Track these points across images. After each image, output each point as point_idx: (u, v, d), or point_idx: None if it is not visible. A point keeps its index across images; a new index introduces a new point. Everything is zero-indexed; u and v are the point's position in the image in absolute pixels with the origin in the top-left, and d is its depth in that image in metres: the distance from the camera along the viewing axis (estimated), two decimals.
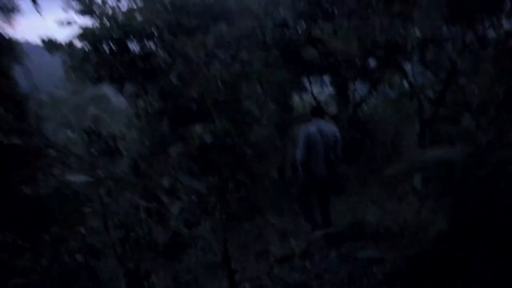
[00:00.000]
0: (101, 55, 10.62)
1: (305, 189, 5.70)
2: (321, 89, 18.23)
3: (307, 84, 16.61)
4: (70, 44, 11.88)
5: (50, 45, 11.81)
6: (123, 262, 3.80)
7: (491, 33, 7.58)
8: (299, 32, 10.68)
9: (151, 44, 11.06)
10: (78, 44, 11.82)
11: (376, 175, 9.70)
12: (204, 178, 7.02)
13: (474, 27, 8.42)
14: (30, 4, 6.57)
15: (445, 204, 2.76)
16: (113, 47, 10.67)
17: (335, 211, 6.67)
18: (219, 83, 8.64)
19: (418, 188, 5.90)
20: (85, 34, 11.39)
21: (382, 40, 9.37)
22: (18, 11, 7.51)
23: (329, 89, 18.24)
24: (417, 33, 10.58)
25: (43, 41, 11.74)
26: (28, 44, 13.11)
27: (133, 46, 11.25)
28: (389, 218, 5.91)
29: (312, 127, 5.51)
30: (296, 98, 17.15)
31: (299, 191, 5.86)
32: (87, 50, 11.34)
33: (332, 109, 17.84)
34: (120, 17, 11.44)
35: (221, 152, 7.43)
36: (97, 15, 11.62)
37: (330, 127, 5.64)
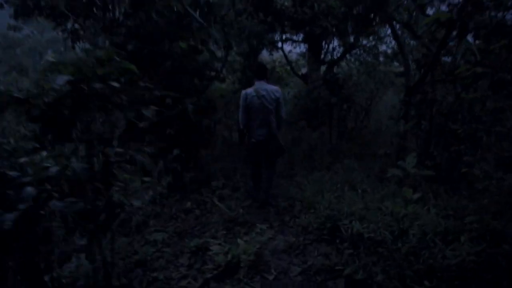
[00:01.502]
0: None
1: (249, 152, 5.49)
2: (292, 48, 17.15)
3: (278, 41, 15.44)
4: None
5: None
6: None
7: None
8: None
9: None
10: None
11: (348, 146, 8.48)
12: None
13: None
14: None
15: None
16: None
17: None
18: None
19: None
20: None
21: None
22: None
23: (300, 48, 17.21)
24: None
25: None
26: None
27: None
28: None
29: (250, 90, 5.23)
30: (265, 55, 15.79)
31: (246, 154, 5.72)
32: None
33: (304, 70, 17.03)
34: None
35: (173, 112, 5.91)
36: None
37: (270, 88, 5.26)
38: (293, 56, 16.97)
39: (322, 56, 15.56)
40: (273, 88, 5.33)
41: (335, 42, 16.90)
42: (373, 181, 5.44)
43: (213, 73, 9.17)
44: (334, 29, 9.32)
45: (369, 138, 9.25)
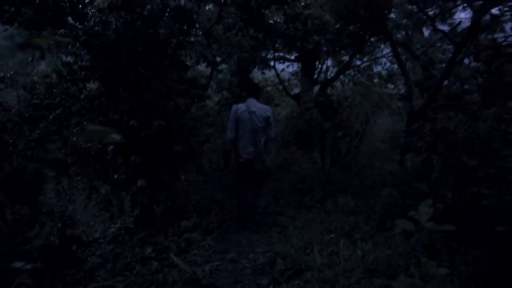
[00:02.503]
0: None
1: (236, 171, 5.27)
2: (285, 67, 16.33)
3: (271, 59, 14.62)
4: None
5: None
6: None
7: None
8: None
9: None
10: None
11: (341, 172, 7.48)
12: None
13: None
14: None
15: None
16: None
17: None
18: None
19: None
20: None
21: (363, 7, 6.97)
22: None
23: (293, 67, 16.41)
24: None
25: None
26: None
27: None
28: None
29: (241, 105, 5.07)
30: (257, 74, 14.94)
31: (234, 171, 5.46)
32: None
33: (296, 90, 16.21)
34: None
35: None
36: None
37: (261, 107, 5.12)
38: (285, 75, 16.11)
39: (316, 76, 14.81)
40: (264, 107, 5.14)
41: (329, 62, 16.25)
42: (374, 228, 4.36)
43: (197, 91, 8.31)
44: (328, 46, 8.39)
45: (364, 164, 8.28)
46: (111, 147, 5.28)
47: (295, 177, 7.42)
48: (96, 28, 6.96)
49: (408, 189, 4.66)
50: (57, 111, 5.64)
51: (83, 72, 6.04)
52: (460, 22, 9.57)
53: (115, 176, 5.26)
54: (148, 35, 5.55)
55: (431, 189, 4.18)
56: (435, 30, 8.85)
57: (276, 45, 13.93)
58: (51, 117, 5.46)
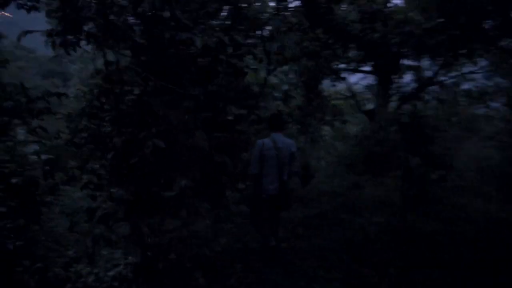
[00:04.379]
0: None
1: (255, 204, 4.85)
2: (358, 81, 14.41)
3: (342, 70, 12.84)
4: None
5: None
6: None
7: None
8: None
9: None
10: None
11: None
12: None
13: None
14: None
15: None
16: None
17: None
18: None
19: None
20: None
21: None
22: None
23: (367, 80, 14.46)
24: None
25: None
26: None
27: None
28: None
29: (267, 140, 4.76)
30: (326, 85, 13.17)
31: (250, 205, 5.06)
32: None
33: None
34: None
35: None
36: None
37: (286, 141, 4.87)
38: (357, 89, 14.23)
39: (392, 91, 12.80)
40: (289, 141, 4.98)
41: (408, 77, 14.11)
42: None
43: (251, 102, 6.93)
44: (413, 51, 6.45)
45: (454, 204, 6.06)
46: None
47: (354, 232, 5.19)
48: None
49: None
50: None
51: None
52: None
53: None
54: None
55: None
56: None
57: (350, 54, 12.25)
58: None
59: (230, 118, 4.74)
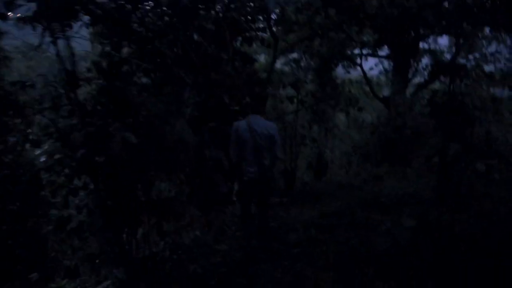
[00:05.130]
0: None
1: (240, 191, 4.63)
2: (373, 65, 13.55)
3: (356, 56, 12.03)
4: None
5: None
6: None
7: None
8: None
9: None
10: None
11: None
12: None
13: None
14: None
15: None
16: None
17: None
18: None
19: None
20: None
21: None
22: None
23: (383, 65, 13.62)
24: None
25: None
26: None
27: None
28: None
29: (242, 122, 4.44)
30: (340, 73, 12.36)
31: (238, 190, 4.76)
32: None
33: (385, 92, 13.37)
34: None
35: None
36: None
37: (264, 124, 4.51)
38: (372, 75, 13.42)
39: (410, 76, 11.99)
40: (268, 124, 4.63)
41: (426, 60, 13.23)
42: None
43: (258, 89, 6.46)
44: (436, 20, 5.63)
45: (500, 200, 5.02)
46: None
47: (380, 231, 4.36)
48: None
49: None
50: None
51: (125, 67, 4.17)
52: None
53: None
54: None
55: None
56: None
57: (364, 37, 11.41)
58: None
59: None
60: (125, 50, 5.71)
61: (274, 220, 5.21)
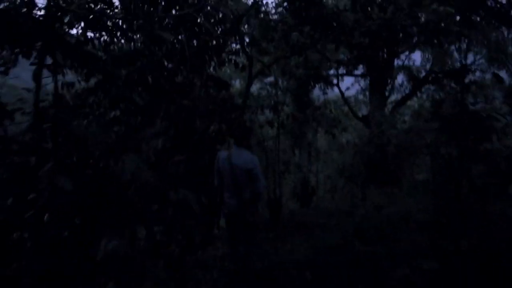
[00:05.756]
0: None
1: (226, 220, 4.40)
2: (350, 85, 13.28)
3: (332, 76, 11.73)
4: None
5: None
6: None
7: None
8: None
9: None
10: None
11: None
12: None
13: None
14: None
15: None
16: None
17: None
18: None
19: None
20: None
21: None
22: None
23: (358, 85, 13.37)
24: None
25: None
26: None
27: None
28: None
29: (224, 154, 4.30)
30: (317, 94, 12.01)
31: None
32: None
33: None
34: None
35: None
36: None
37: (243, 159, 4.12)
38: (350, 94, 13.17)
39: (387, 93, 11.73)
40: (248, 158, 4.13)
41: (400, 78, 13.08)
42: None
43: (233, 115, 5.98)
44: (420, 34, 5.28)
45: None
46: None
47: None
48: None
49: None
50: None
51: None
52: None
53: None
54: None
55: None
56: None
57: (340, 56, 11.14)
58: None
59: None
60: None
61: (261, 259, 4.60)
